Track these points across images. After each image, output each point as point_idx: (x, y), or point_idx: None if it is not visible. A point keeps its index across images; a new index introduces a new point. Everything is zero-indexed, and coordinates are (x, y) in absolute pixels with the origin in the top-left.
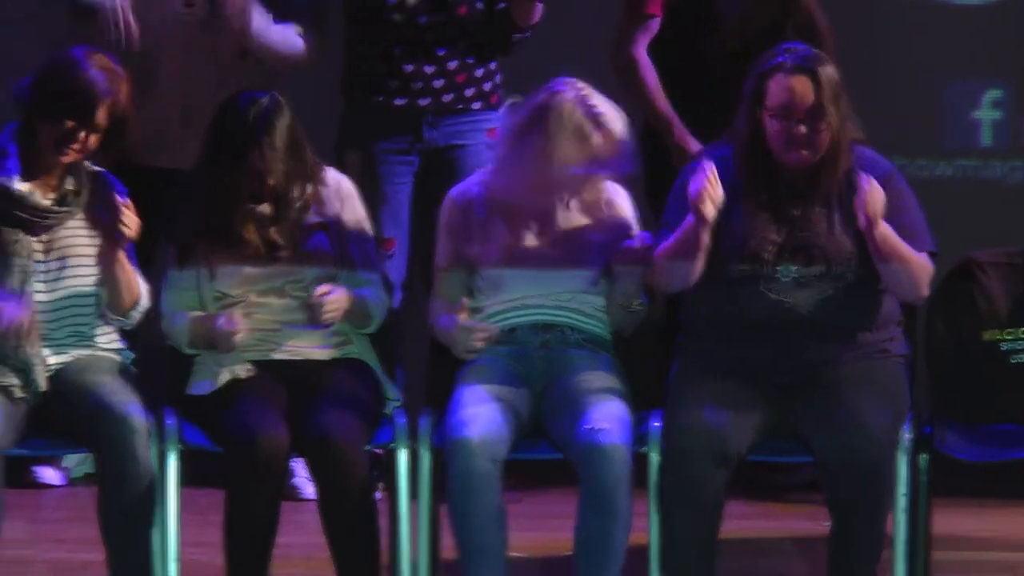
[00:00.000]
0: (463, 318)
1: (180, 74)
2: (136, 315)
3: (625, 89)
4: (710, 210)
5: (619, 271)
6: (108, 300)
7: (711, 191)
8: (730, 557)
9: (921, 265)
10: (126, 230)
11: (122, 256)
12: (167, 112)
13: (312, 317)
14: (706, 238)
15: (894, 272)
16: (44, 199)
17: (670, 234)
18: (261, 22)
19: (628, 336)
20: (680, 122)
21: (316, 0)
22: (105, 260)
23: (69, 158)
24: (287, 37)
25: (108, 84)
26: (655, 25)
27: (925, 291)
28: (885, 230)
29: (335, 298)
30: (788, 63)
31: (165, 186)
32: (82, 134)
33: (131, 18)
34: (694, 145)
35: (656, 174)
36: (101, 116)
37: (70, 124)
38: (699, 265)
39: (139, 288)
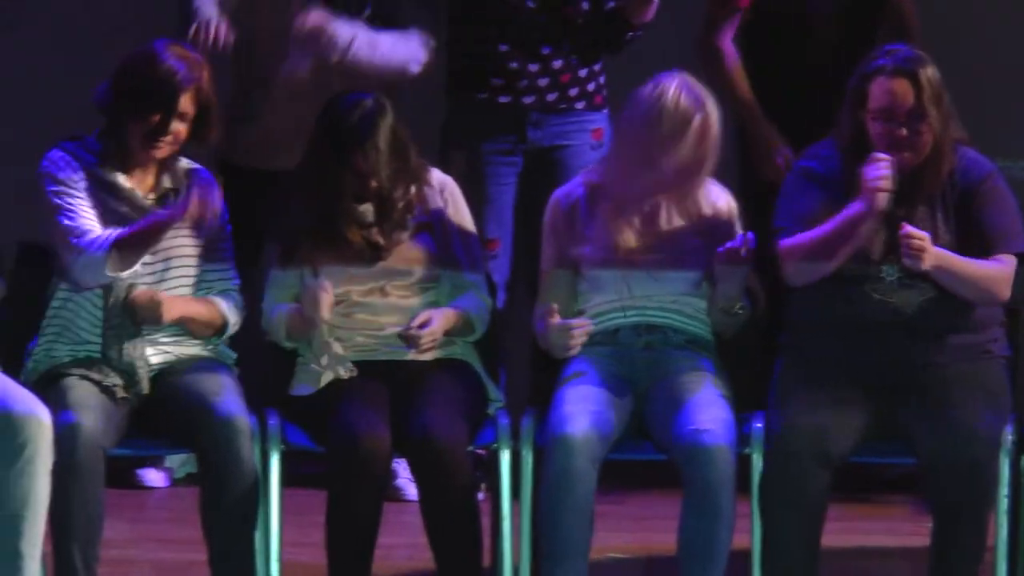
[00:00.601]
0: (555, 320)
1: (293, 80)
2: (227, 334)
3: (708, 77)
4: (882, 201)
5: (721, 273)
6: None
7: (888, 182)
8: (831, 559)
9: (991, 276)
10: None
11: (183, 308)
12: (280, 117)
13: (410, 346)
14: (867, 230)
15: (961, 290)
16: (146, 199)
17: (789, 224)
18: (363, 44)
19: (729, 338)
20: (761, 111)
21: (429, 9)
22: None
23: (161, 152)
24: (391, 50)
25: (188, 71)
26: (742, 16)
27: (1004, 295)
28: (941, 262)
29: (432, 331)
30: (888, 66)
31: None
32: (170, 125)
33: (223, 30)
34: (774, 136)
35: (749, 172)
36: (186, 104)
37: (156, 117)
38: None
39: (219, 318)
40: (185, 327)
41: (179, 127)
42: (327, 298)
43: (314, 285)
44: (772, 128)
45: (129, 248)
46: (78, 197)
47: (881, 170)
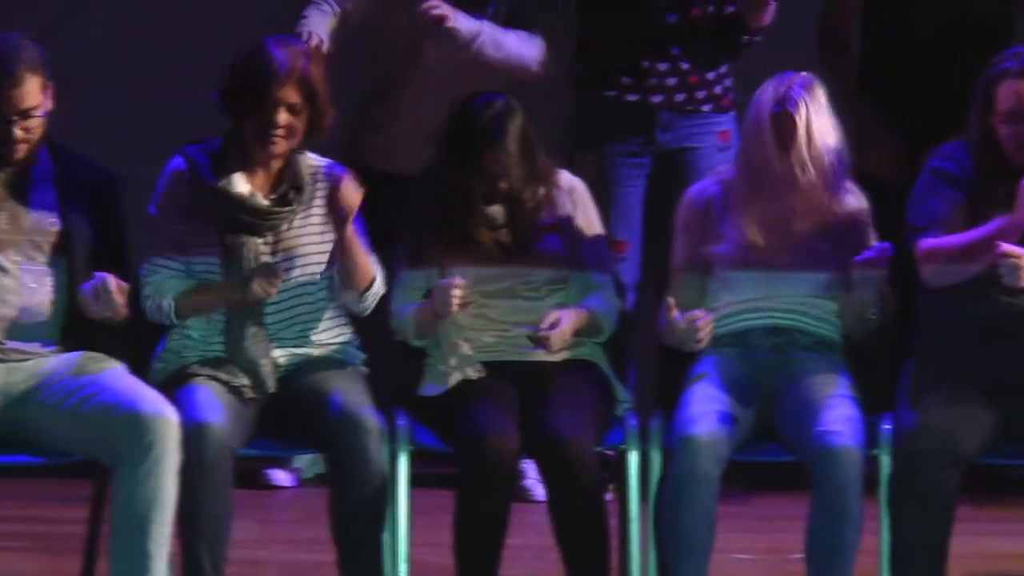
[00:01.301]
0: (674, 315)
1: (424, 82)
2: (370, 299)
3: (828, 65)
4: None
5: (856, 279)
6: (342, 281)
7: None
8: (956, 560)
9: None
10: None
11: (353, 239)
12: (410, 119)
13: (540, 347)
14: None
15: None
16: (264, 200)
17: (926, 224)
18: (480, 34)
19: (859, 341)
20: (869, 104)
21: (556, 12)
22: (337, 243)
23: (278, 147)
24: (518, 47)
25: (289, 61)
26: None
27: None
28: None
29: (562, 331)
30: (1014, 68)
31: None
32: (276, 117)
33: (322, 40)
34: (883, 128)
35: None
36: (290, 95)
37: (262, 112)
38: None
39: (372, 271)
40: (348, 261)
41: (289, 119)
42: (458, 292)
43: (446, 282)
44: (881, 120)
45: (190, 308)
46: (167, 238)
47: None
